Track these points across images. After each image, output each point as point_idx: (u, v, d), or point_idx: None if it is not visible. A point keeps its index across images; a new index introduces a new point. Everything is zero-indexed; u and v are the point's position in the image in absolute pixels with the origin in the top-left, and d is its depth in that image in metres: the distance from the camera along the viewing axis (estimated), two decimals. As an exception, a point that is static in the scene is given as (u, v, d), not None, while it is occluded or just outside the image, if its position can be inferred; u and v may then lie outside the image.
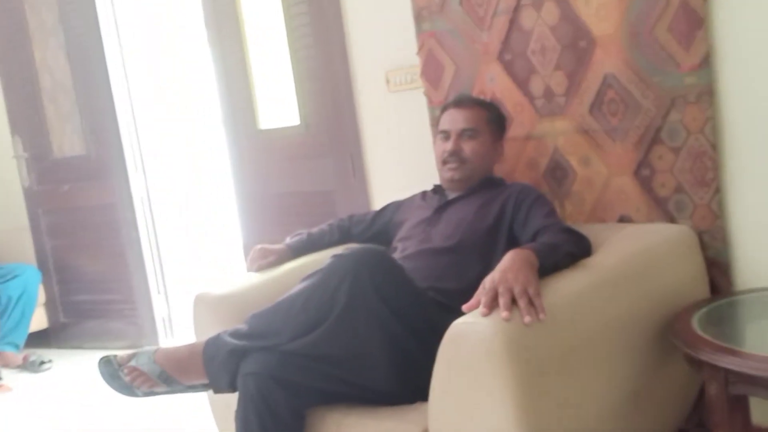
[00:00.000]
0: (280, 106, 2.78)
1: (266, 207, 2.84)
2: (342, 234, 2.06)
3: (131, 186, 3.39)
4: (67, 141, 3.54)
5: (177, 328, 3.51)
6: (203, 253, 3.96)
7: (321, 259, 1.74)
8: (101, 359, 1.59)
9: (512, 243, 1.66)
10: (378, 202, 2.39)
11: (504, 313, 1.26)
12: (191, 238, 3.90)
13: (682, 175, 1.75)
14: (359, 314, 1.46)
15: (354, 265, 1.48)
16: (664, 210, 1.79)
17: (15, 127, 3.63)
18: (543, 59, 1.93)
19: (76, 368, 3.33)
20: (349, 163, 2.55)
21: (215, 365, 1.55)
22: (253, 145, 2.85)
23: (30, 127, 3.59)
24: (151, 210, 3.48)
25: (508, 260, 1.39)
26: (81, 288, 3.60)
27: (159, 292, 3.48)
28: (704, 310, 1.57)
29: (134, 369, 1.56)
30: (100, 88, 3.34)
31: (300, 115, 2.66)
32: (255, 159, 2.86)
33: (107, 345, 3.46)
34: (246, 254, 2.79)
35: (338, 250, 1.64)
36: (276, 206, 2.80)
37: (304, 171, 2.70)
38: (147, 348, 1.62)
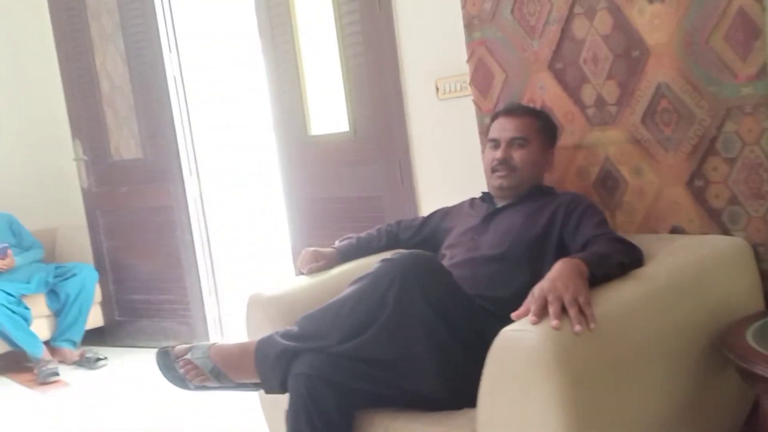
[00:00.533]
0: (330, 112, 2.83)
1: (315, 211, 2.89)
2: (390, 239, 2.08)
3: (186, 189, 3.49)
4: (125, 144, 3.66)
5: (228, 328, 3.59)
6: (254, 256, 4.04)
7: (369, 263, 1.75)
8: (159, 350, 1.64)
9: (562, 252, 1.65)
10: (426, 209, 2.41)
11: (554, 322, 1.26)
12: (242, 241, 3.99)
13: (737, 187, 1.72)
14: (407, 319, 1.48)
15: (402, 270, 1.50)
16: (717, 222, 1.77)
17: (76, 130, 3.77)
18: (595, 68, 1.92)
19: (130, 365, 3.43)
20: (398, 170, 2.57)
21: (267, 365, 1.58)
22: (303, 151, 2.91)
23: (90, 130, 3.73)
24: (204, 213, 3.57)
25: (558, 269, 1.39)
26: (136, 287, 3.72)
27: (211, 293, 3.57)
28: (759, 323, 1.54)
29: (189, 362, 1.61)
30: (156, 94, 3.45)
31: (349, 122, 2.71)
32: (304, 164, 2.91)
33: (161, 343, 3.52)
34: (295, 257, 2.85)
35: (386, 255, 1.66)
36: (324, 211, 2.85)
37: (353, 177, 2.74)
38: (203, 343, 1.66)
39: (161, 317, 3.65)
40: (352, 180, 2.75)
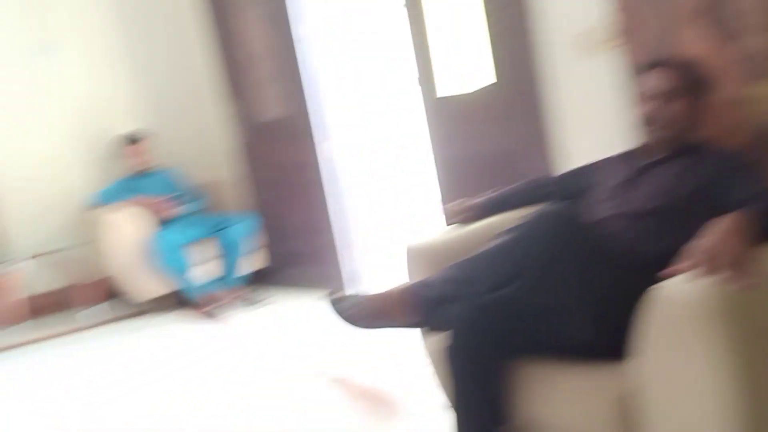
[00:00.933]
0: (471, 68, 2.87)
1: (457, 167, 2.97)
2: (535, 194, 2.09)
3: (317, 147, 3.68)
4: (272, 104, 3.92)
5: (371, 276, 3.79)
6: (396, 209, 4.22)
7: (515, 217, 1.81)
8: (326, 295, 1.80)
9: (717, 209, 1.55)
10: (569, 164, 2.42)
11: (713, 278, 1.23)
12: (384, 194, 4.16)
13: None
14: (559, 269, 1.52)
15: (555, 221, 1.56)
16: None
17: (233, 89, 4.07)
18: (752, 19, 1.85)
19: (285, 306, 3.73)
20: (539, 125, 2.59)
21: (422, 309, 1.70)
22: (444, 107, 2.98)
23: (244, 90, 4.00)
24: (344, 168, 3.77)
25: (716, 226, 1.35)
26: (287, 236, 4.00)
27: (354, 244, 3.79)
28: None
29: (353, 306, 1.75)
30: (296, 55, 3.62)
31: (490, 77, 2.73)
32: (446, 120, 2.99)
33: (310, 288, 3.85)
34: (443, 210, 2.98)
35: (535, 208, 1.71)
36: (467, 167, 2.92)
37: (494, 132, 2.78)
38: (361, 289, 1.83)
39: (310, 264, 3.92)
40: (493, 136, 2.79)
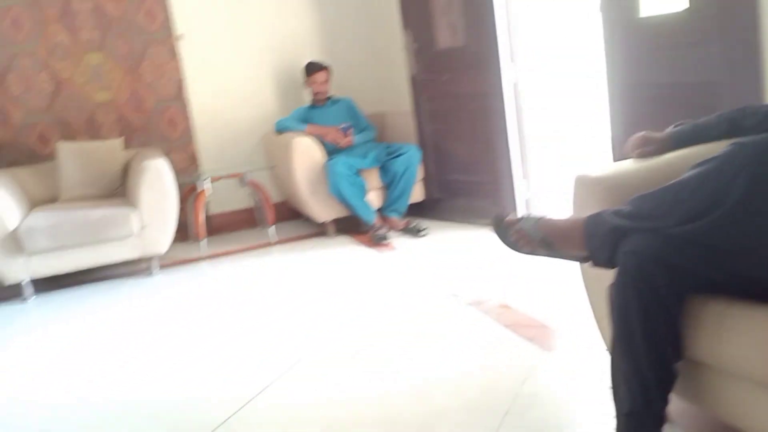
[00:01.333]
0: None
1: (640, 98, 2.77)
2: (731, 126, 1.89)
3: (502, 76, 3.58)
4: (449, 33, 3.85)
5: (537, 210, 3.72)
6: (566, 139, 4.05)
7: (706, 151, 1.65)
8: (494, 217, 1.77)
9: None
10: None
11: None
12: (555, 125, 4.00)
13: None
14: (757, 206, 1.39)
15: (757, 154, 1.39)
16: None
17: (406, 21, 4.06)
18: None
19: (446, 237, 3.79)
20: (742, 51, 2.32)
21: (595, 240, 1.62)
22: (631, 32, 2.76)
23: (418, 20, 3.99)
24: (518, 99, 3.65)
25: None
26: (453, 168, 4.01)
27: (521, 177, 3.71)
28: None
29: (520, 231, 1.71)
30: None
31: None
32: (631, 46, 2.77)
33: (473, 221, 3.86)
34: (615, 143, 2.80)
35: (725, 144, 1.54)
36: (651, 97, 2.71)
37: (685, 60, 2.54)
38: (532, 215, 1.77)
39: (475, 196, 3.91)
40: (684, 64, 2.55)
